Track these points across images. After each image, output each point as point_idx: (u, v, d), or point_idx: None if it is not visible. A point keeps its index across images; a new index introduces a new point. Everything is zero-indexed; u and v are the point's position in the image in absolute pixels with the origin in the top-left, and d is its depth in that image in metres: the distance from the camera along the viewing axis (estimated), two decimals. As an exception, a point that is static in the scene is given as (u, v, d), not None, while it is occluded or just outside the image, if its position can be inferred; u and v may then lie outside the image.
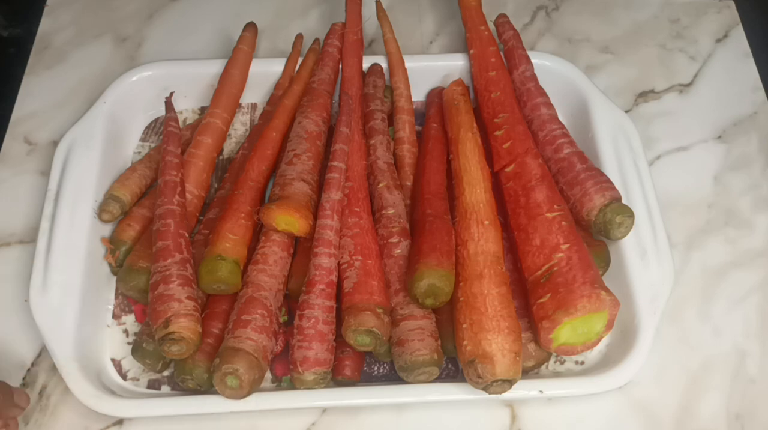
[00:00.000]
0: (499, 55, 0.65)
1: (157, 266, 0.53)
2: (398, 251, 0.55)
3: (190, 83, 0.67)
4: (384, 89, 0.66)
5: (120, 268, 0.57)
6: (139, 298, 0.56)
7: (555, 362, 0.57)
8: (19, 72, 0.71)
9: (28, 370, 0.56)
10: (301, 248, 0.58)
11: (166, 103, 0.61)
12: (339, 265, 0.55)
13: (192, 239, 0.57)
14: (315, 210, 0.56)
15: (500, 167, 0.59)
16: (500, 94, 0.62)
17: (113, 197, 0.59)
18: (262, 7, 0.77)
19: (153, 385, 0.55)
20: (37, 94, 0.70)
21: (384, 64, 0.67)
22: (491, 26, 0.67)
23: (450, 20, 0.76)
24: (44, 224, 0.57)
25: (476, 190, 0.56)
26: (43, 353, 0.57)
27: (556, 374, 0.56)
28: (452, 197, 0.58)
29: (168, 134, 0.59)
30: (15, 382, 0.56)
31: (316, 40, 0.68)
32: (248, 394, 0.50)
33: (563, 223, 0.54)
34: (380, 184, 0.59)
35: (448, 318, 0.54)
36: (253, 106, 0.69)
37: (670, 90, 0.71)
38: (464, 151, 0.58)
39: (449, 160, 0.61)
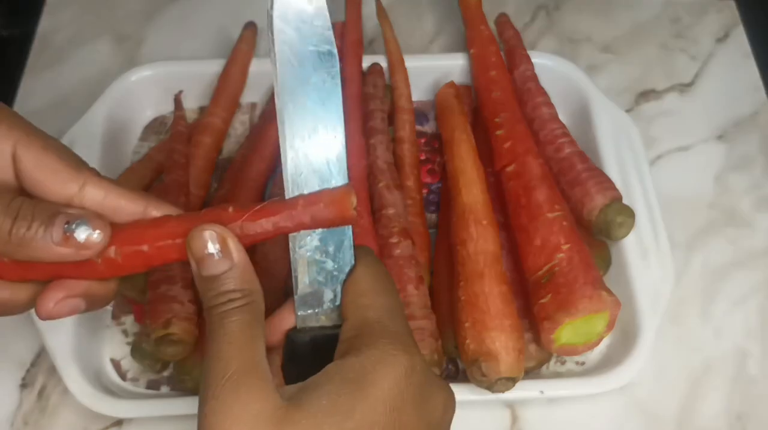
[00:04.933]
0: (499, 54, 0.65)
1: (159, 265, 0.52)
2: (398, 251, 0.55)
3: (189, 83, 0.66)
4: (384, 89, 0.66)
5: (119, 268, 0.57)
6: (139, 298, 0.56)
7: (556, 362, 0.56)
8: (19, 72, 0.71)
9: (28, 370, 0.56)
10: (302, 248, 0.57)
11: (175, 101, 0.61)
12: (339, 265, 0.54)
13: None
14: (315, 210, 0.56)
15: (501, 167, 0.59)
16: (501, 94, 0.62)
17: (113, 197, 0.59)
18: (262, 7, 0.75)
19: (152, 385, 0.55)
20: (37, 94, 0.69)
21: (384, 64, 0.67)
22: (491, 26, 0.67)
23: (450, 20, 0.75)
24: (44, 223, 0.57)
25: (473, 191, 0.56)
26: (42, 353, 0.56)
27: (557, 375, 0.56)
28: (448, 198, 0.58)
29: (176, 133, 0.59)
30: (14, 382, 0.55)
31: (316, 39, 0.68)
32: (248, 394, 0.50)
33: (564, 223, 0.54)
34: (380, 184, 0.59)
35: (448, 319, 0.53)
36: (253, 105, 0.69)
37: (671, 90, 0.71)
38: (459, 153, 0.58)
39: (444, 161, 0.61)
